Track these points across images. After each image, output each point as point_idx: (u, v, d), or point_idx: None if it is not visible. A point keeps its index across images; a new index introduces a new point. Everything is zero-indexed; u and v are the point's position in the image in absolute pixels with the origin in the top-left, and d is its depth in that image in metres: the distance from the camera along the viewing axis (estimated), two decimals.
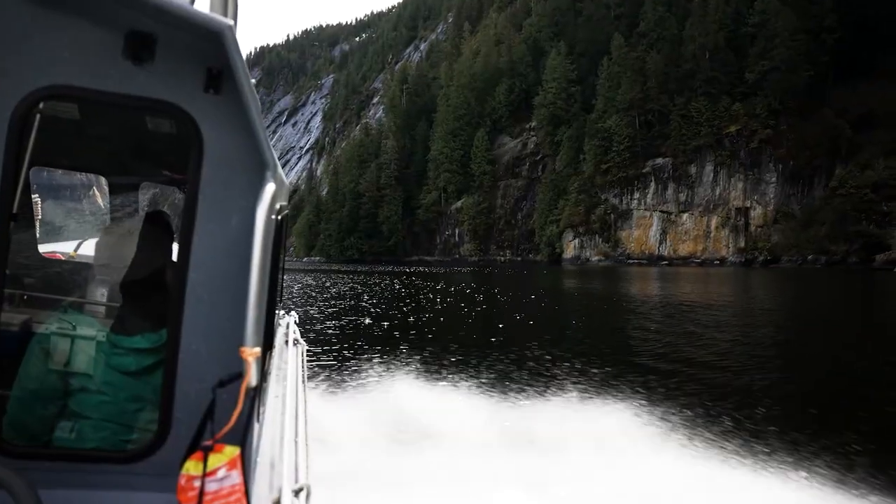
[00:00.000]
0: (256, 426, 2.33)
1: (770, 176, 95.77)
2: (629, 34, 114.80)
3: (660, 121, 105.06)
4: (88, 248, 5.05)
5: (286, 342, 4.79)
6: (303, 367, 4.47)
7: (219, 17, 1.94)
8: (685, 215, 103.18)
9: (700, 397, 10.93)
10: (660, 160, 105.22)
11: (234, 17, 2.26)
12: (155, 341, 2.51)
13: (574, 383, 11.45)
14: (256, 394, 1.82)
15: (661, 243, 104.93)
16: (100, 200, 5.77)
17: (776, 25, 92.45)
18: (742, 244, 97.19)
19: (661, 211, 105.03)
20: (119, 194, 5.17)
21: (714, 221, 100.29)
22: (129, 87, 2.06)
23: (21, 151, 2.03)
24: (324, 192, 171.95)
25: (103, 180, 5.25)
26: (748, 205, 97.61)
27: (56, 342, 2.48)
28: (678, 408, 9.86)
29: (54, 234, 6.32)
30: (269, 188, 2.09)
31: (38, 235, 4.88)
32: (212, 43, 1.96)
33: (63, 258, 5.15)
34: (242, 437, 1.79)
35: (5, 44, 1.98)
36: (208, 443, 1.72)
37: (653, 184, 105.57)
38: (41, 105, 2.11)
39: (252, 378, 1.78)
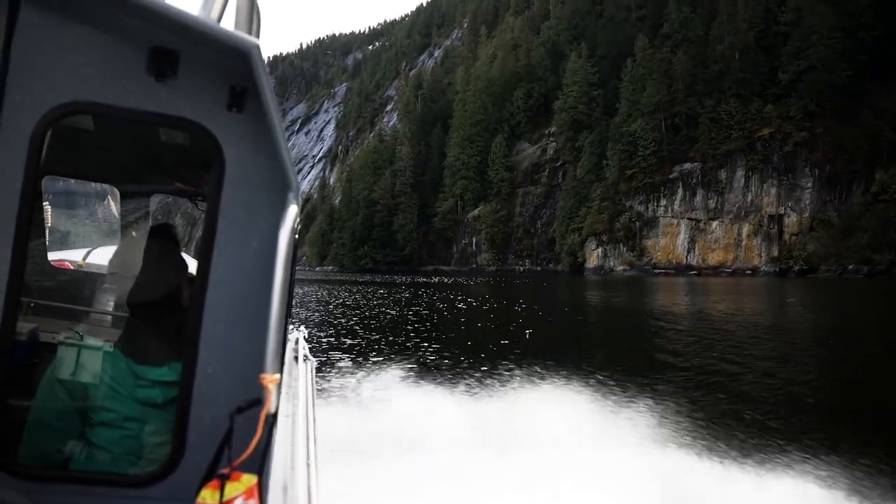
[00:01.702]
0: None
1: (805, 181, 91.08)
2: (653, 36, 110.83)
3: (687, 124, 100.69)
4: (97, 257, 5.39)
5: (295, 358, 4.65)
6: (313, 384, 4.38)
7: (246, 36, 1.93)
8: (715, 223, 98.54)
9: (734, 415, 10.51)
10: (688, 165, 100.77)
11: (258, 34, 2.27)
12: (181, 372, 2.39)
13: (598, 395, 11.14)
14: (275, 421, 1.85)
15: (689, 252, 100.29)
16: (113, 209, 5.77)
17: (812, 22, 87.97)
18: (775, 253, 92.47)
19: (690, 218, 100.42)
20: (130, 204, 5.23)
21: (745, 229, 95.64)
22: (150, 103, 2.06)
23: (40, 164, 2.05)
24: (336, 201, 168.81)
25: (116, 191, 5.29)
26: (782, 212, 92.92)
27: (72, 367, 2.47)
28: (707, 423, 9.61)
29: (63, 242, 6.28)
30: (292, 210, 2.09)
31: (47, 244, 4.74)
32: (237, 62, 1.95)
33: (72, 267, 5.16)
34: (260, 464, 1.77)
35: (29, 60, 1.98)
36: (225, 470, 1.69)
37: (680, 190, 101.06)
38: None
39: (272, 405, 1.77)
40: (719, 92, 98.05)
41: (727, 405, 11.44)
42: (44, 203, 4.35)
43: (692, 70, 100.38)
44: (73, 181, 5.43)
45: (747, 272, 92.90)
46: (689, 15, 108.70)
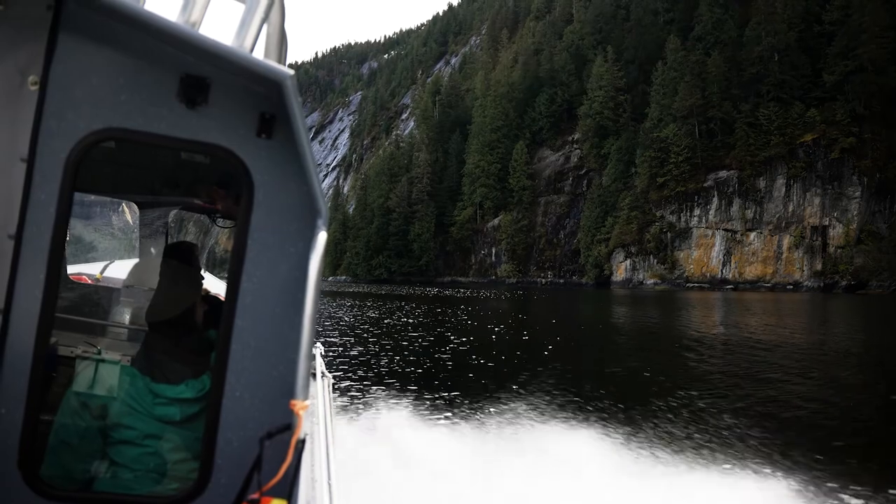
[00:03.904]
0: None
1: (853, 190, 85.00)
2: (683, 39, 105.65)
3: (723, 130, 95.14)
4: (114, 271, 5.47)
5: (313, 375, 4.59)
6: (330, 401, 4.34)
7: (280, 66, 1.98)
8: (753, 234, 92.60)
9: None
10: (723, 173, 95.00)
11: (285, 61, 2.36)
12: (199, 390, 2.51)
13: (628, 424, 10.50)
14: (303, 446, 1.89)
15: (724, 265, 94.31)
16: (131, 223, 5.87)
17: (862, 21, 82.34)
18: (819, 267, 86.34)
19: (725, 229, 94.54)
20: (149, 219, 5.28)
21: (786, 241, 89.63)
22: (181, 130, 2.12)
23: (72, 188, 2.13)
24: (350, 209, 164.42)
25: (134, 206, 5.34)
26: (826, 223, 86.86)
27: (90, 382, 2.59)
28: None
29: (82, 256, 6.58)
30: (322, 237, 2.10)
31: (66, 257, 4.70)
32: (269, 89, 2.02)
33: (90, 281, 5.25)
34: (289, 489, 1.81)
35: (66, 87, 2.06)
36: (255, 496, 1.73)
37: (715, 199, 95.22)
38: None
39: (302, 432, 1.83)
40: (757, 96, 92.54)
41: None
42: None
43: (727, 73, 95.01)
44: (92, 196, 5.37)
45: (788, 287, 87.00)
46: (722, 16, 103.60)
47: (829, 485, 7.86)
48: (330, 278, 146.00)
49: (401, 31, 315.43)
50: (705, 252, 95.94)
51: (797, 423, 11.65)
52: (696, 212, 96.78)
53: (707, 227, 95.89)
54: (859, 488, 7.72)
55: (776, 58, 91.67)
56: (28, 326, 2.06)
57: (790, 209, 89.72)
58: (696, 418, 11.42)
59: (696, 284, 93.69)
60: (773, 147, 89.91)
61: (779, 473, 8.30)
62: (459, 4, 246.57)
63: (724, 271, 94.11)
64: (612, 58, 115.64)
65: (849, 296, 73.67)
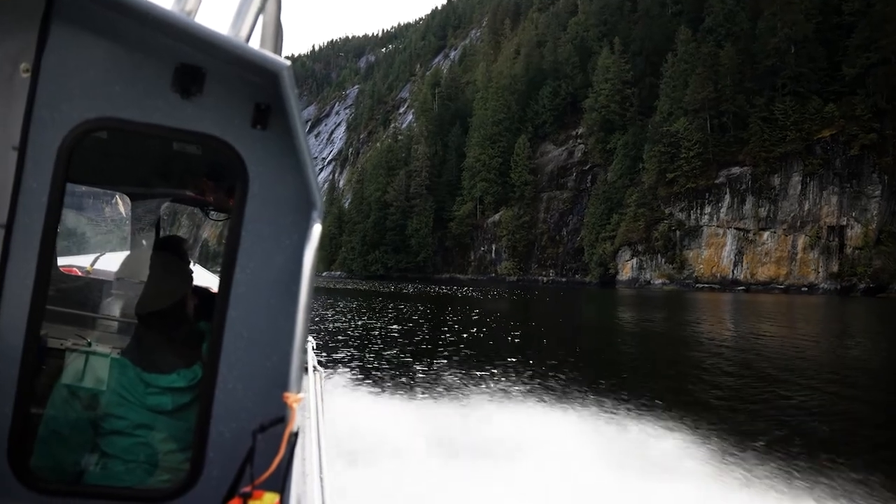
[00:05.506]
0: None
1: (872, 189, 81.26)
2: (693, 30, 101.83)
3: (736, 124, 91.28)
4: (104, 263, 5.51)
5: (304, 368, 4.53)
6: (322, 395, 4.34)
7: (276, 57, 1.97)
8: (766, 233, 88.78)
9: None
10: (736, 169, 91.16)
11: (280, 51, 2.39)
12: (191, 379, 2.50)
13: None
14: (296, 439, 1.87)
15: (735, 265, 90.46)
16: (123, 215, 5.78)
17: (885, 10, 78.59)
18: (835, 269, 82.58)
19: (737, 228, 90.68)
20: (141, 211, 5.25)
21: (801, 241, 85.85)
22: (175, 120, 2.10)
23: (65, 178, 2.10)
24: (346, 204, 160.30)
25: (126, 198, 5.32)
26: (844, 222, 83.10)
27: (80, 374, 2.57)
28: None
29: (73, 248, 6.50)
30: (316, 229, 2.11)
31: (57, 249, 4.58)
32: (264, 80, 2.00)
33: (80, 273, 5.28)
34: (282, 483, 1.80)
35: (58, 76, 2.04)
36: (247, 489, 1.71)
37: (727, 196, 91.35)
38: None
39: (295, 424, 1.82)
40: (772, 89, 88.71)
41: None
42: None
43: (741, 65, 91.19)
44: (83, 187, 5.33)
45: (802, 289, 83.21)
46: (734, 8, 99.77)
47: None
48: (324, 273, 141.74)
49: (399, 24, 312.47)
50: (716, 251, 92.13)
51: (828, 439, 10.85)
52: (707, 209, 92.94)
53: (718, 226, 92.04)
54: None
55: (792, 50, 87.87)
56: (18, 317, 2.02)
57: (806, 208, 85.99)
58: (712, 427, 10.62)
59: (705, 285, 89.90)
60: (788, 143, 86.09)
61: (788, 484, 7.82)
62: None
63: (735, 272, 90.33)
64: (618, 50, 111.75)
65: (868, 299, 70.10)
